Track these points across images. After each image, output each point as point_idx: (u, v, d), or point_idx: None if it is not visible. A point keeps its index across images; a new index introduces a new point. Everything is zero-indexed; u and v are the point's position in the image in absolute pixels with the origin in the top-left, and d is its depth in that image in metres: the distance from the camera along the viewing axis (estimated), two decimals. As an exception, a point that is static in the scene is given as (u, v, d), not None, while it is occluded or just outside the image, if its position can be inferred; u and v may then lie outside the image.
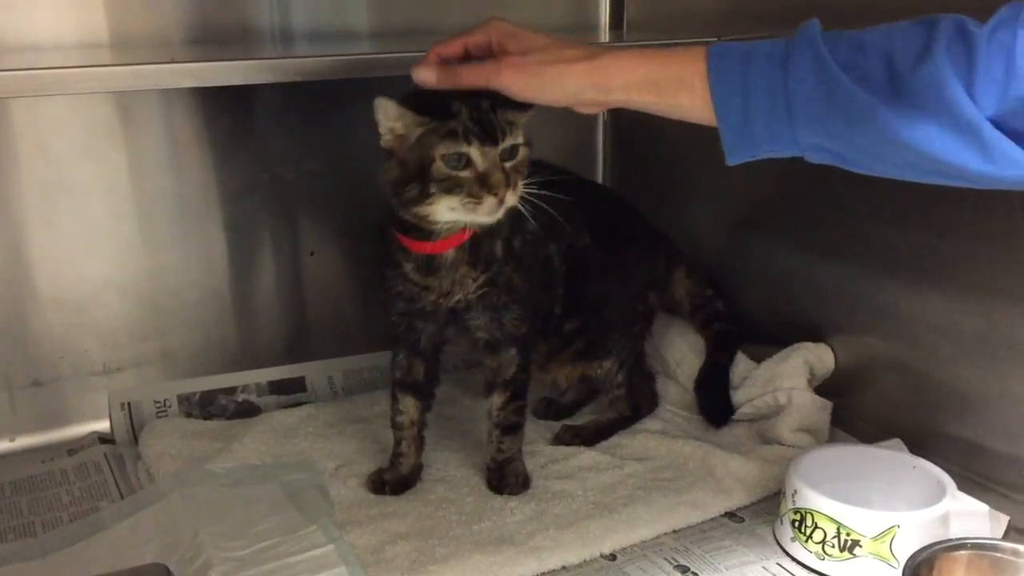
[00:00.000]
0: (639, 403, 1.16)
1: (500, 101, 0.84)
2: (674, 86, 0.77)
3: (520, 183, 0.86)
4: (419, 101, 0.85)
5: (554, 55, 0.81)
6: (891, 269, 1.06)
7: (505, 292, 0.96)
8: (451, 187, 0.84)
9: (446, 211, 0.85)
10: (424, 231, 0.89)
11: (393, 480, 1.01)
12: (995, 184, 0.70)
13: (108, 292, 1.18)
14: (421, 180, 0.84)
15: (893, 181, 1.01)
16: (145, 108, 1.16)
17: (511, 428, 1.01)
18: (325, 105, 1.25)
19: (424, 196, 0.84)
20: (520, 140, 0.87)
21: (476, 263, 0.93)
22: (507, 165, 0.85)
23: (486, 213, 0.85)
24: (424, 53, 1.08)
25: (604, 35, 1.35)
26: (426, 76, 0.85)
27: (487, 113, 0.84)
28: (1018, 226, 0.91)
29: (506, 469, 1.01)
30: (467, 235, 0.91)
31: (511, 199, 0.85)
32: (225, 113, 1.20)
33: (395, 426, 1.02)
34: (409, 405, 1.01)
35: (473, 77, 0.83)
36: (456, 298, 0.94)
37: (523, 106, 0.85)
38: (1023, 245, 0.92)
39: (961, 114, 0.67)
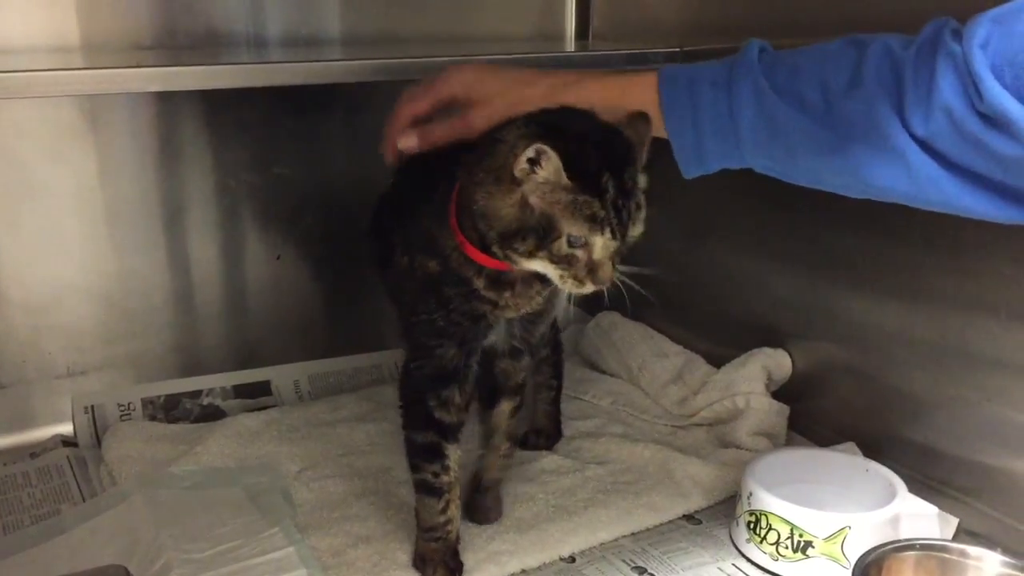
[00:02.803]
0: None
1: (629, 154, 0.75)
2: None
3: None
4: (569, 156, 0.72)
5: (517, 95, 0.82)
6: (847, 277, 1.08)
7: (553, 307, 0.91)
8: (559, 260, 0.75)
9: (539, 268, 0.76)
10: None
11: (447, 554, 0.89)
12: (921, 205, 0.73)
13: (73, 295, 1.18)
14: (536, 241, 0.74)
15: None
16: (112, 112, 1.16)
17: (516, 439, 0.95)
18: (293, 111, 1.25)
19: (528, 255, 0.75)
20: (642, 227, 0.77)
21: (544, 279, 0.81)
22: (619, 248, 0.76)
23: (576, 291, 0.76)
24: (391, 60, 1.09)
25: (570, 44, 1.37)
26: (408, 143, 0.85)
27: (630, 193, 0.74)
28: (966, 236, 0.94)
29: (495, 493, 0.95)
30: None
31: (605, 286, 0.76)
32: (193, 118, 1.21)
33: (436, 491, 0.87)
34: (455, 458, 0.87)
35: (447, 132, 0.83)
36: (522, 311, 0.85)
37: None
38: (970, 254, 0.94)
39: (888, 137, 0.70)
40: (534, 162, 0.72)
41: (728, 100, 0.77)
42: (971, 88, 0.65)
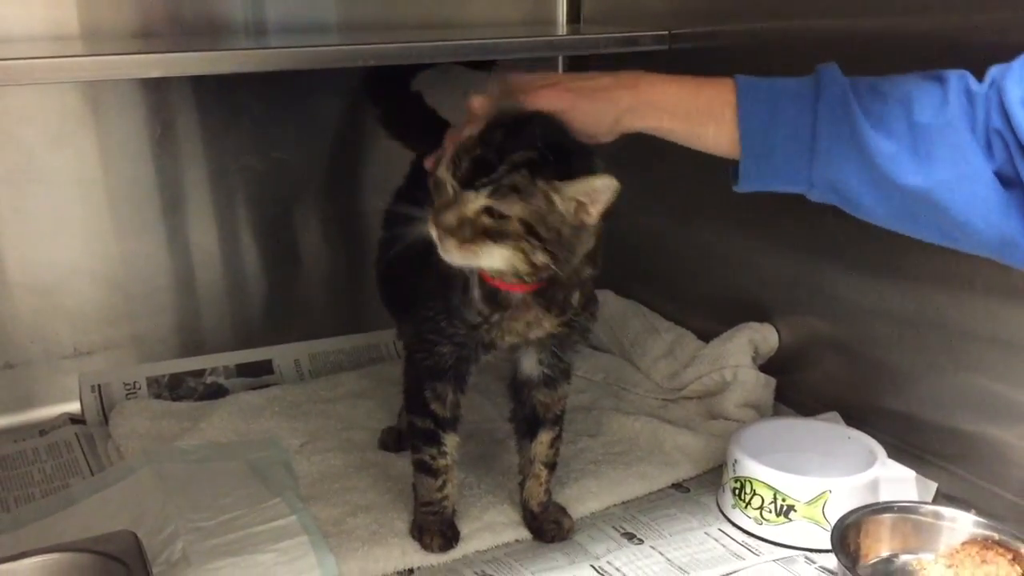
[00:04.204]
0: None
1: (548, 161, 0.74)
2: (704, 116, 0.81)
3: (486, 248, 0.75)
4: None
5: (596, 83, 0.82)
6: (831, 255, 1.11)
7: (578, 335, 0.89)
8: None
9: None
10: None
11: (444, 525, 0.92)
12: (993, 239, 0.75)
13: (78, 277, 1.21)
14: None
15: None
16: (115, 98, 1.19)
17: (555, 465, 0.95)
18: (291, 96, 1.28)
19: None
20: (510, 211, 0.74)
21: (550, 307, 0.84)
22: (481, 221, 0.74)
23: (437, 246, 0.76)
24: (387, 45, 1.12)
25: (562, 29, 1.39)
26: (479, 103, 0.81)
27: (495, 155, 0.74)
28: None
29: (555, 513, 0.96)
30: (537, 285, 0.81)
31: (455, 253, 0.75)
32: (194, 103, 1.23)
33: (433, 472, 0.90)
34: (452, 444, 0.90)
35: (535, 97, 0.80)
36: (516, 338, 0.86)
37: (569, 172, 0.75)
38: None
39: (972, 160, 0.73)
40: None
41: (813, 114, 0.78)
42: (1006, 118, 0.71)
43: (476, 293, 0.83)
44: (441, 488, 0.91)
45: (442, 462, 0.91)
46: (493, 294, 0.82)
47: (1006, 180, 0.73)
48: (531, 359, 0.90)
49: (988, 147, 0.73)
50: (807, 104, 0.78)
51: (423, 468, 0.91)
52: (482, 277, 0.82)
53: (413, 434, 0.92)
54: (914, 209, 0.76)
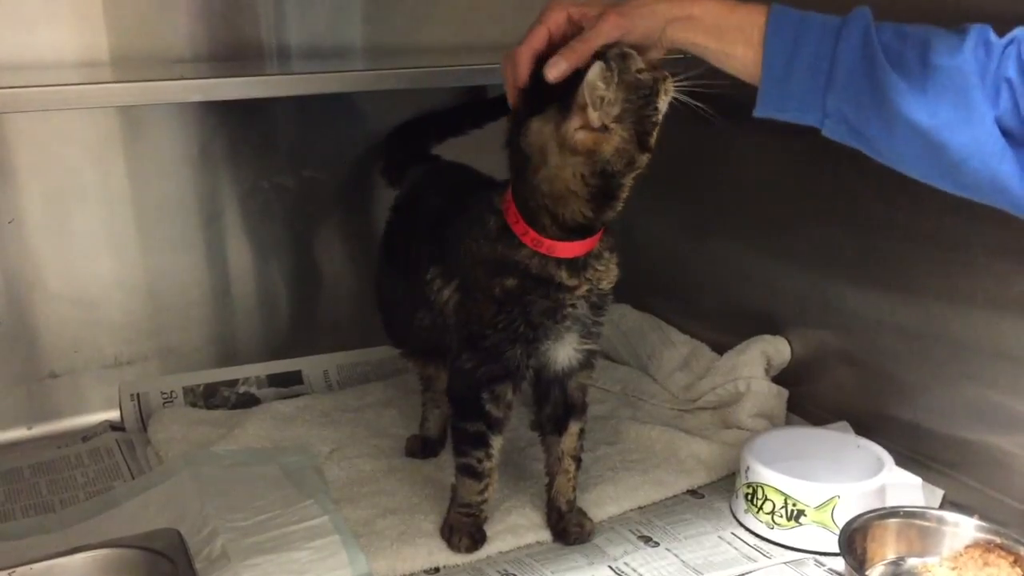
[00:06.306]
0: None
1: None
2: (734, 33, 0.85)
3: None
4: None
5: (639, 1, 0.89)
6: (840, 269, 1.15)
7: (612, 292, 0.94)
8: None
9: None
10: (577, 231, 0.87)
11: (474, 527, 0.97)
12: (984, 182, 0.78)
13: (118, 291, 1.27)
14: (644, 101, 0.85)
15: (839, 191, 1.11)
16: (152, 120, 1.24)
17: (581, 461, 0.99)
18: (322, 116, 1.33)
19: (660, 101, 0.86)
20: None
21: (612, 249, 0.92)
22: None
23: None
24: (411, 69, 1.17)
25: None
26: (557, 71, 0.85)
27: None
28: (946, 231, 1.01)
29: (577, 517, 0.99)
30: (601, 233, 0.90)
31: None
32: (228, 125, 1.28)
33: (478, 475, 0.94)
34: (498, 446, 0.95)
35: (590, 43, 0.86)
36: (602, 285, 0.91)
37: None
38: (949, 247, 1.01)
39: (973, 104, 0.76)
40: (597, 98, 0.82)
41: (835, 41, 0.82)
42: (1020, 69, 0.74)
43: (563, 274, 0.88)
44: (482, 491, 0.95)
45: (488, 465, 0.95)
46: (575, 263, 0.88)
47: (1005, 130, 0.76)
48: (566, 348, 0.93)
49: (996, 95, 0.76)
50: (831, 33, 0.82)
51: (468, 472, 0.95)
52: (565, 256, 0.87)
53: (461, 439, 0.95)
54: (916, 144, 0.79)
